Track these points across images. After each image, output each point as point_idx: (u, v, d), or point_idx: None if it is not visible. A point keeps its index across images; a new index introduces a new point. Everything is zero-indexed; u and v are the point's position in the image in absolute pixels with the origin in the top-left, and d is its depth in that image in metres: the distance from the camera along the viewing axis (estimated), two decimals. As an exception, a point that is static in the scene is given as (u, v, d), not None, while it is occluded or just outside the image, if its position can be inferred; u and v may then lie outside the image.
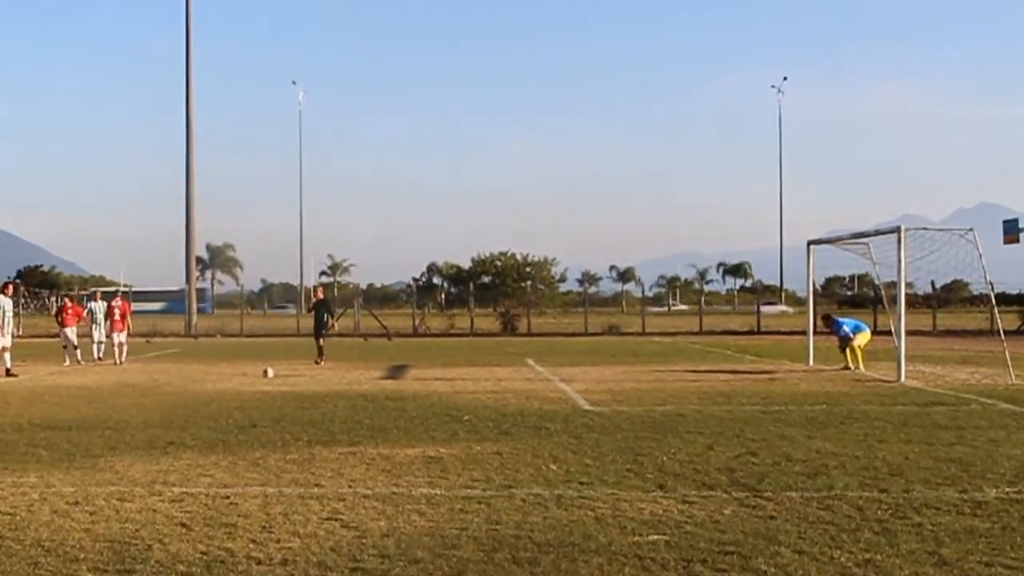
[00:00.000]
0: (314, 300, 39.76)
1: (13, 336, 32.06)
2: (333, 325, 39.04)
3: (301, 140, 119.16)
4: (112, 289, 66.46)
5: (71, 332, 36.59)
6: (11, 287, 33.26)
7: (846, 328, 30.79)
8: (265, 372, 29.21)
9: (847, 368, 30.12)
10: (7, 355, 30.38)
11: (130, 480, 12.82)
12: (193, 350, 47.56)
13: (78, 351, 36.13)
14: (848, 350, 30.51)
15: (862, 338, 30.57)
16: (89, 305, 39.40)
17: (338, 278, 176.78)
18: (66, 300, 44.57)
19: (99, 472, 13.42)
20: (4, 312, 30.85)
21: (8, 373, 29.91)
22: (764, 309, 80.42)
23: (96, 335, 37.88)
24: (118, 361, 36.56)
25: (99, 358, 37.04)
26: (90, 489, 12.21)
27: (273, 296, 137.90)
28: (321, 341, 37.11)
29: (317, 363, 35.14)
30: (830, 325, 31.80)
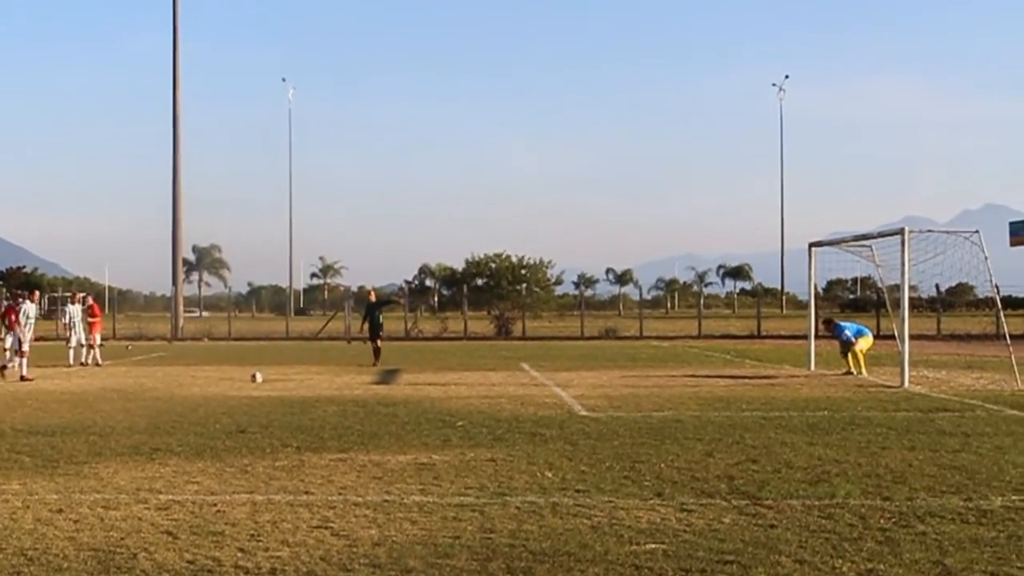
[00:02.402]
0: (368, 302, 40.36)
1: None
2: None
3: (291, 139, 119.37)
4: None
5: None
6: (37, 293, 33.67)
7: (848, 332, 30.67)
8: (253, 376, 28.99)
9: (849, 373, 30.01)
10: (19, 360, 30.30)
11: (115, 487, 12.66)
12: (179, 353, 47.54)
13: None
14: (850, 355, 30.38)
15: (864, 343, 30.48)
16: (66, 308, 39.09)
17: (329, 280, 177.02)
18: (3, 301, 44.35)
19: (83, 479, 13.27)
20: (28, 317, 31.01)
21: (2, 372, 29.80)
22: None
23: (73, 340, 37.49)
24: (95, 363, 36.55)
25: (83, 363, 36.72)
26: (74, 496, 12.06)
27: (262, 299, 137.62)
28: (377, 344, 37.67)
29: (372, 364, 35.93)
30: (831, 329, 31.71)
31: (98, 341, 38.35)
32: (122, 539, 9.94)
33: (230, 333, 68.12)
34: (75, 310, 38.21)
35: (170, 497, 11.97)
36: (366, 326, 38.27)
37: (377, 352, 37.18)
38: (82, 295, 41.70)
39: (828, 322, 33.04)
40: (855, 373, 29.85)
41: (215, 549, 9.55)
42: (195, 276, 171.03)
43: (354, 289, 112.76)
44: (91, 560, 9.20)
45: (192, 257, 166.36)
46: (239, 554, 9.39)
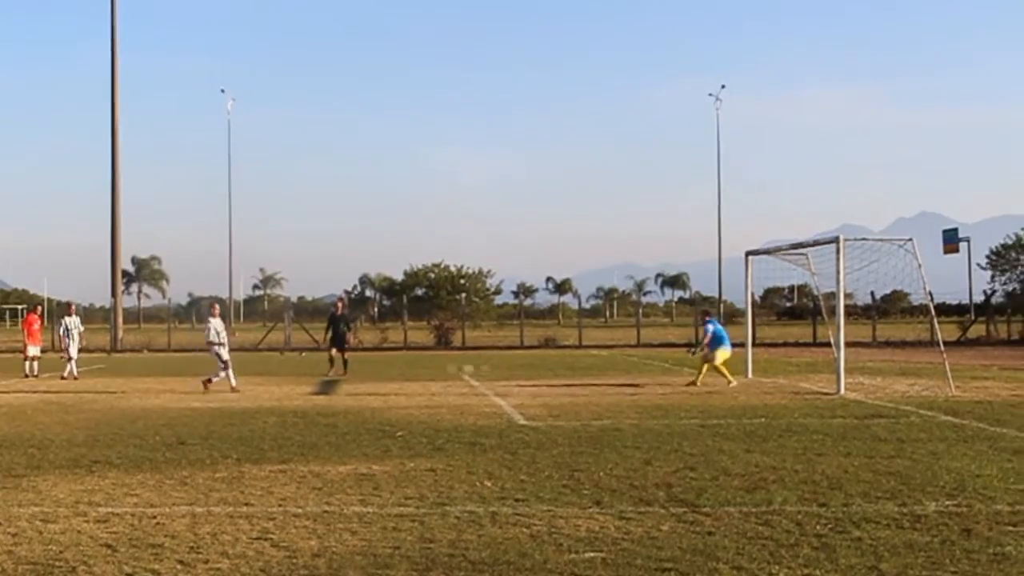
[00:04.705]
0: (331, 313, 40.15)
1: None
2: (349, 339, 39.53)
3: (230, 149, 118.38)
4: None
5: None
6: (218, 307, 33.19)
7: (711, 327, 30.36)
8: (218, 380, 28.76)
9: (692, 384, 29.81)
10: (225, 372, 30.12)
11: (54, 500, 12.60)
12: (119, 365, 47.13)
13: None
14: (706, 364, 30.10)
15: (721, 354, 30.04)
16: (63, 320, 38.68)
17: (269, 291, 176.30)
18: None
19: (22, 492, 13.18)
20: (218, 332, 30.48)
21: (205, 385, 29.70)
22: None
23: (71, 351, 37.14)
24: (34, 375, 36.41)
25: (63, 376, 36.30)
26: (12, 510, 11.99)
27: (202, 310, 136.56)
28: (344, 354, 37.49)
29: (342, 375, 35.83)
30: (704, 323, 31.37)
31: (37, 353, 38.12)
32: (61, 552, 9.89)
33: (170, 344, 67.60)
34: (72, 321, 37.97)
35: (109, 510, 11.92)
36: (328, 336, 38.26)
37: (344, 363, 36.92)
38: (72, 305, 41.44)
39: (706, 313, 33.00)
40: (697, 384, 29.58)
41: (154, 562, 9.52)
42: (134, 287, 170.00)
43: (294, 300, 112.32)
44: (30, 574, 9.18)
45: (131, 268, 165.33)
46: (179, 566, 9.37)
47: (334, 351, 37.32)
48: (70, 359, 36.97)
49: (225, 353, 29.81)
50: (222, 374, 29.66)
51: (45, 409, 24.40)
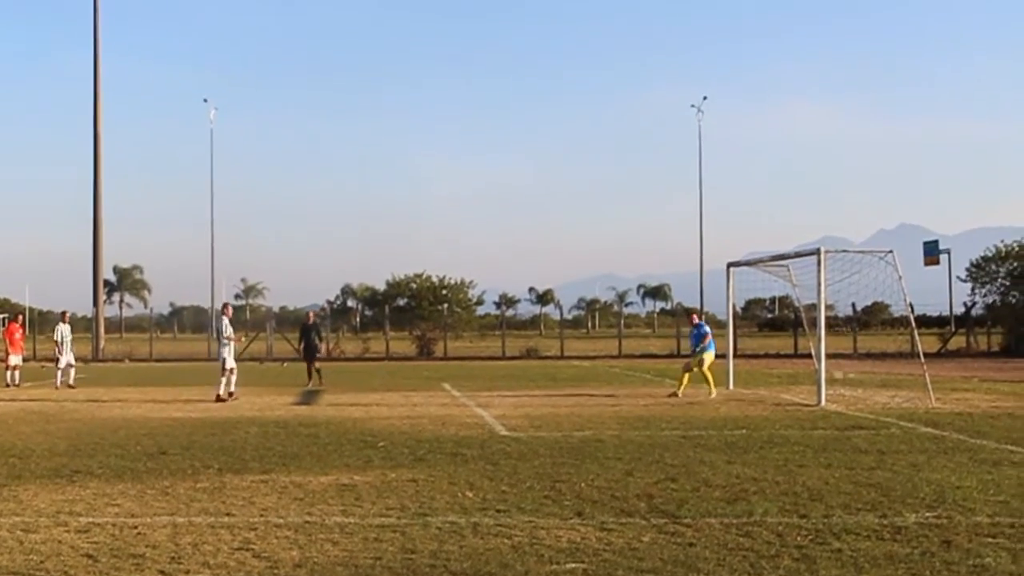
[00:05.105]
0: (303, 324, 40.12)
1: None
2: (320, 348, 39.38)
3: (212, 159, 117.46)
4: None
5: None
6: (230, 307, 33.11)
7: (706, 328, 30.48)
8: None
9: (674, 395, 29.89)
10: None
11: (35, 510, 12.57)
12: (100, 375, 47.01)
13: None
14: (688, 373, 30.20)
15: (709, 357, 30.20)
16: (59, 328, 38.52)
17: (251, 301, 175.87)
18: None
19: (2, 502, 13.15)
20: (222, 333, 30.41)
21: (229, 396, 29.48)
22: None
23: (64, 359, 37.05)
24: (15, 383, 36.27)
25: (70, 384, 36.21)
26: (-8, 520, 11.90)
27: (183, 319, 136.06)
28: (315, 365, 37.20)
29: (320, 385, 35.56)
30: (694, 325, 31.40)
31: (19, 362, 38.09)
32: (42, 562, 9.86)
33: (151, 354, 67.51)
34: (67, 329, 37.84)
35: (90, 520, 11.89)
36: (301, 347, 38.21)
37: (318, 372, 36.71)
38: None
39: (694, 314, 33.02)
40: (678, 395, 29.69)
41: (135, 572, 9.49)
42: (116, 297, 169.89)
43: (276, 310, 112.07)
44: (10, 584, 9.15)
45: (113, 278, 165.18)
46: (160, 577, 9.35)
47: (315, 363, 37.22)
48: (70, 366, 37.03)
49: (228, 357, 29.73)
50: (233, 378, 29.65)
51: (26, 419, 24.35)
